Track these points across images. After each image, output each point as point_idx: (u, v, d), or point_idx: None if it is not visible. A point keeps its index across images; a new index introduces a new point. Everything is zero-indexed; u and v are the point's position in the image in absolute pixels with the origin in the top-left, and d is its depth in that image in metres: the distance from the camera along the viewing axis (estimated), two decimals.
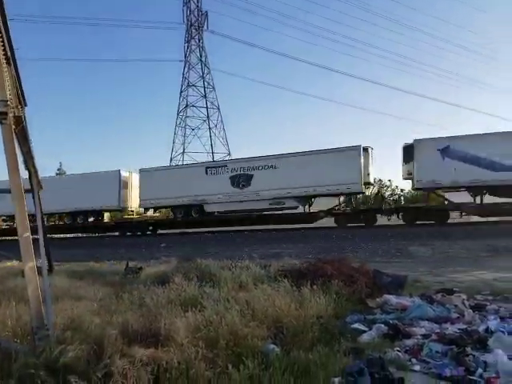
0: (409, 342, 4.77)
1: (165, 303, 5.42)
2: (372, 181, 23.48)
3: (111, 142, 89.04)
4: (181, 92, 46.41)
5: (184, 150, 44.72)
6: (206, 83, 45.80)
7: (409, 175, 22.03)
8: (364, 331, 5.24)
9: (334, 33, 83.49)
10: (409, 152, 21.62)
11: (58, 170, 50.48)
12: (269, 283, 6.63)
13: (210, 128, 45.48)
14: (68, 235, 29.33)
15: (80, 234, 30.12)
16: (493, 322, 5.19)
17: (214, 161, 36.79)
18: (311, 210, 23.73)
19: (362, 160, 21.60)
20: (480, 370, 3.89)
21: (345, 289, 6.77)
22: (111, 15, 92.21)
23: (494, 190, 20.33)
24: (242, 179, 23.92)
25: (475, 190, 20.68)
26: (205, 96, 45.55)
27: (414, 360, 4.29)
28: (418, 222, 21.52)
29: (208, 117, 45.56)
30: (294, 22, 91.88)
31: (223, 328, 4.34)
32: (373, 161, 22.82)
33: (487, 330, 4.90)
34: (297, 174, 22.30)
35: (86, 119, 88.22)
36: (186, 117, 45.50)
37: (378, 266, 9.41)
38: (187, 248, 17.14)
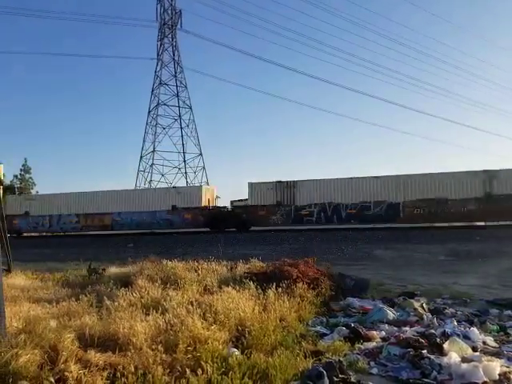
0: (368, 345, 4.85)
1: (125, 306, 5.29)
2: None
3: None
4: (152, 90, 45.57)
5: (154, 148, 43.97)
6: (178, 82, 45.20)
7: None
8: (326, 334, 5.30)
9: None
10: None
11: (23, 165, 48.78)
12: (234, 286, 6.59)
13: (181, 127, 44.88)
14: None
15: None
16: (449, 326, 5.33)
17: None
18: None
19: None
20: (434, 373, 4.01)
21: (309, 292, 6.83)
22: (81, 9, 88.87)
23: None
24: None
25: None
26: (177, 95, 44.92)
27: (372, 363, 4.37)
28: None
29: (180, 116, 44.95)
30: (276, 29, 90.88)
31: (183, 332, 4.28)
32: None
33: (444, 333, 5.02)
34: None
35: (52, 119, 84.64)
36: (158, 115, 44.73)
37: (345, 269, 9.54)
38: (156, 248, 16.84)
